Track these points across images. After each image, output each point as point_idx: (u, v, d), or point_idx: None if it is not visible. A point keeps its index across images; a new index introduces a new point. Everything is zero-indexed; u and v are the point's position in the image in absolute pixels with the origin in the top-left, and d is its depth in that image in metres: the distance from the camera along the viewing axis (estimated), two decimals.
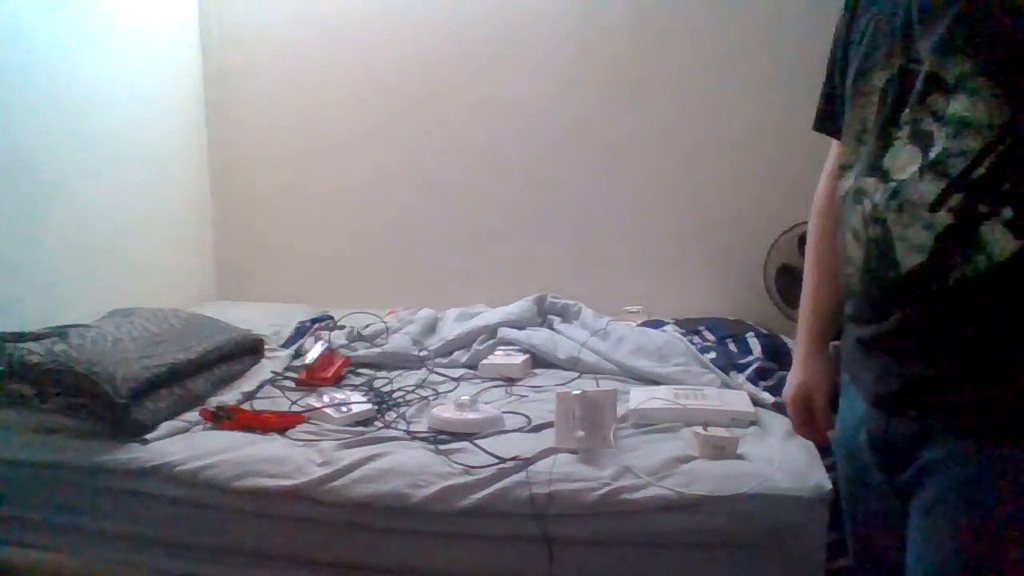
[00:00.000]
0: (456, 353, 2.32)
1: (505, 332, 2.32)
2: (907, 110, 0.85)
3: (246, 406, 1.90)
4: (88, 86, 2.39)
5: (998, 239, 0.77)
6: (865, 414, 0.95)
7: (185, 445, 1.66)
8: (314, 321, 2.53)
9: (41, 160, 2.22)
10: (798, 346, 1.16)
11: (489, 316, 2.43)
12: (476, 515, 1.49)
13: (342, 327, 2.45)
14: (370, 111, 2.86)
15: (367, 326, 2.43)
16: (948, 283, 0.80)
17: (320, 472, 1.55)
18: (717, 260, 2.69)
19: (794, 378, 1.15)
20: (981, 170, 0.78)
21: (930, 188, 0.81)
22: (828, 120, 1.08)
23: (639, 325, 2.41)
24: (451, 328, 2.43)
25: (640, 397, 1.84)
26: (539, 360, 2.25)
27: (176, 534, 1.62)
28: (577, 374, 2.15)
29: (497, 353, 2.25)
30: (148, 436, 1.68)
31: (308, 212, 2.98)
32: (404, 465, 1.56)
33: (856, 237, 0.91)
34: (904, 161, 0.85)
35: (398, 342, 2.34)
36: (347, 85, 2.87)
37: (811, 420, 1.13)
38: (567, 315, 2.50)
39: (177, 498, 1.60)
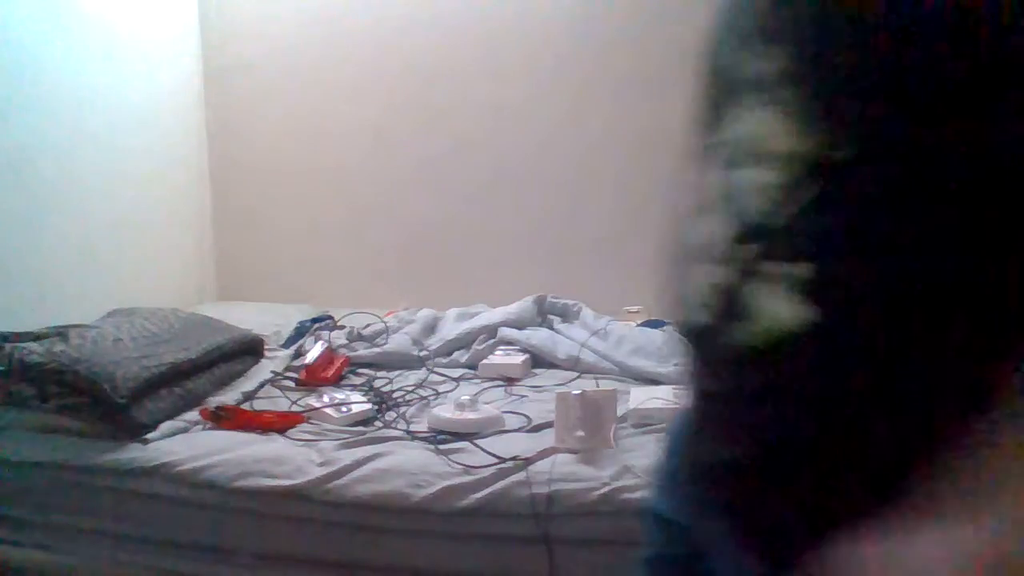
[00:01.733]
0: (456, 353, 2.31)
1: (505, 332, 2.32)
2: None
3: (246, 406, 1.90)
4: (87, 86, 2.39)
5: (779, 307, 0.52)
6: None
7: (185, 445, 1.66)
8: (314, 321, 2.52)
9: (41, 160, 2.22)
10: None
11: (489, 316, 2.43)
12: (476, 515, 1.49)
13: (342, 327, 2.44)
14: (371, 110, 2.86)
15: (367, 326, 2.43)
16: (730, 349, 0.54)
17: (320, 472, 1.55)
18: None
19: None
20: (779, 219, 0.51)
21: (722, 225, 0.55)
22: None
23: (639, 325, 2.41)
24: (451, 328, 2.43)
25: (640, 397, 1.84)
26: (539, 360, 2.25)
27: (176, 534, 1.62)
28: (577, 374, 2.15)
29: (497, 353, 2.25)
30: (148, 436, 1.68)
31: (308, 212, 2.97)
32: (404, 465, 1.56)
33: None
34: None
35: (398, 342, 2.34)
36: (348, 84, 2.86)
37: None
38: (567, 315, 2.49)
39: (177, 498, 1.59)
